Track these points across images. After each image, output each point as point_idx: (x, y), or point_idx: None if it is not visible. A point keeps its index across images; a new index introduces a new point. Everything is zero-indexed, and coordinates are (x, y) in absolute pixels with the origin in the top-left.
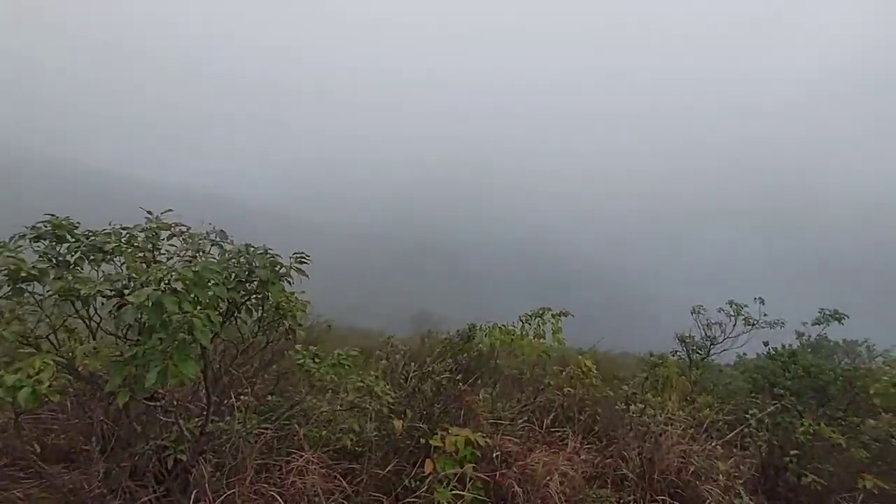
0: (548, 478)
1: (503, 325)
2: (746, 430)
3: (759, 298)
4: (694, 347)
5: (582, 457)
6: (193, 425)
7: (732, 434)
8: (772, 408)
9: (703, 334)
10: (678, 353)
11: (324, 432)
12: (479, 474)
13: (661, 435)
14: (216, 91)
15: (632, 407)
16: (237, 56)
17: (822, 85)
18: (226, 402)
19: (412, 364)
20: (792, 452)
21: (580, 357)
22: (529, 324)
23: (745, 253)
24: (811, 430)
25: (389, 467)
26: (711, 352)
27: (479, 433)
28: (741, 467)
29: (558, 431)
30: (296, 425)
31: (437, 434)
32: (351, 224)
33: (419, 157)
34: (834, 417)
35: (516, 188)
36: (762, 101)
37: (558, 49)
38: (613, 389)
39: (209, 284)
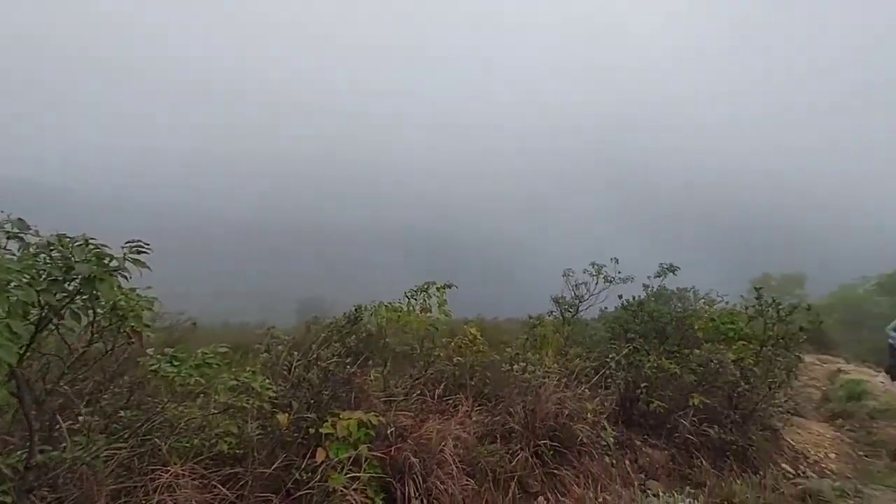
0: (442, 444)
1: (389, 304)
2: (607, 372)
3: (615, 258)
4: (566, 307)
5: (473, 419)
6: (15, 460)
7: (597, 377)
8: (626, 350)
9: (573, 294)
10: (553, 313)
11: (195, 441)
12: (374, 453)
13: (540, 387)
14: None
15: (514, 366)
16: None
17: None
18: (57, 426)
19: (296, 354)
20: (642, 385)
21: (465, 326)
22: (415, 299)
23: (602, 220)
24: (655, 365)
25: (276, 464)
26: (580, 309)
27: (372, 413)
28: (605, 404)
29: (450, 399)
30: (156, 439)
31: (327, 421)
32: (227, 216)
33: (295, 151)
34: (671, 352)
35: (400, 175)
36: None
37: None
38: (499, 353)
39: (9, 287)
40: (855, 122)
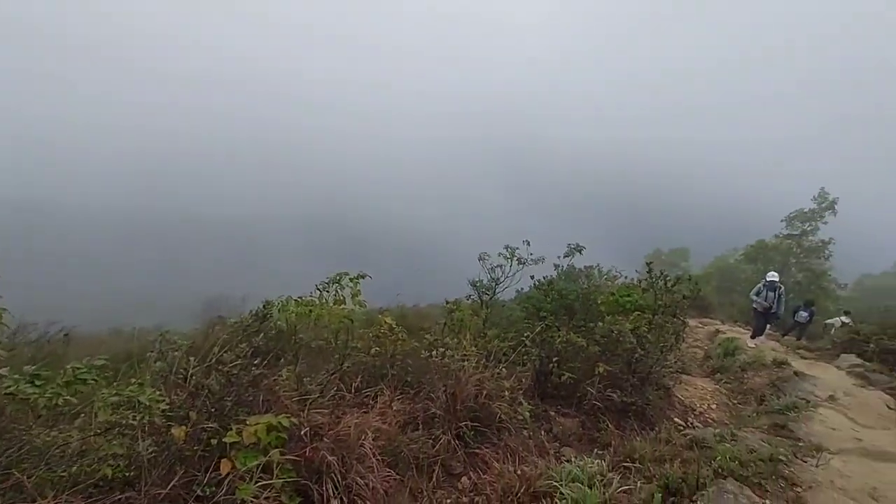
0: (362, 438)
1: (299, 297)
2: (523, 349)
3: (526, 241)
4: (483, 290)
5: (395, 408)
6: None
7: (514, 355)
8: (539, 328)
9: (489, 277)
10: (472, 297)
11: (73, 468)
12: (288, 457)
13: (459, 371)
14: None
15: (433, 352)
16: None
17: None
18: None
19: (193, 360)
20: (554, 359)
21: (380, 316)
22: (327, 291)
23: (513, 205)
24: (565, 339)
25: (174, 481)
26: (497, 291)
27: (284, 415)
28: (522, 380)
29: (370, 391)
30: (16, 472)
31: (231, 429)
32: (115, 206)
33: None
34: (578, 326)
35: (309, 162)
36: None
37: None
38: (420, 340)
39: None
40: (720, 124)
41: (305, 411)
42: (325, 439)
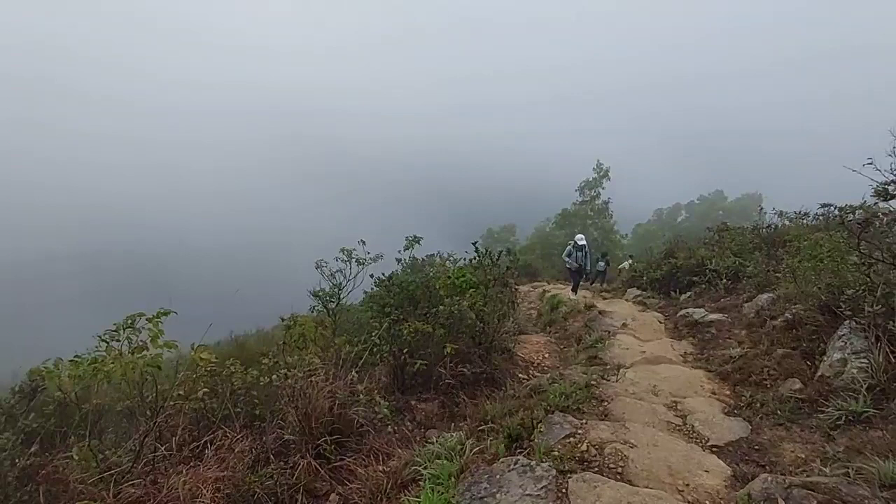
0: (195, 497)
1: (77, 357)
2: (375, 348)
3: (362, 241)
4: (327, 298)
5: (237, 449)
6: None
7: (366, 357)
8: (386, 324)
9: (331, 284)
10: (316, 308)
11: None
12: None
13: (308, 388)
14: None
15: (274, 376)
16: None
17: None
18: None
19: None
20: (405, 351)
21: (193, 353)
22: (117, 340)
23: (339, 206)
24: (412, 330)
25: None
26: (341, 297)
27: (78, 503)
28: (381, 379)
29: (205, 439)
30: None
31: None
32: None
33: None
34: (423, 314)
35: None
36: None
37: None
38: (258, 367)
39: None
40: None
41: (111, 490)
42: None
